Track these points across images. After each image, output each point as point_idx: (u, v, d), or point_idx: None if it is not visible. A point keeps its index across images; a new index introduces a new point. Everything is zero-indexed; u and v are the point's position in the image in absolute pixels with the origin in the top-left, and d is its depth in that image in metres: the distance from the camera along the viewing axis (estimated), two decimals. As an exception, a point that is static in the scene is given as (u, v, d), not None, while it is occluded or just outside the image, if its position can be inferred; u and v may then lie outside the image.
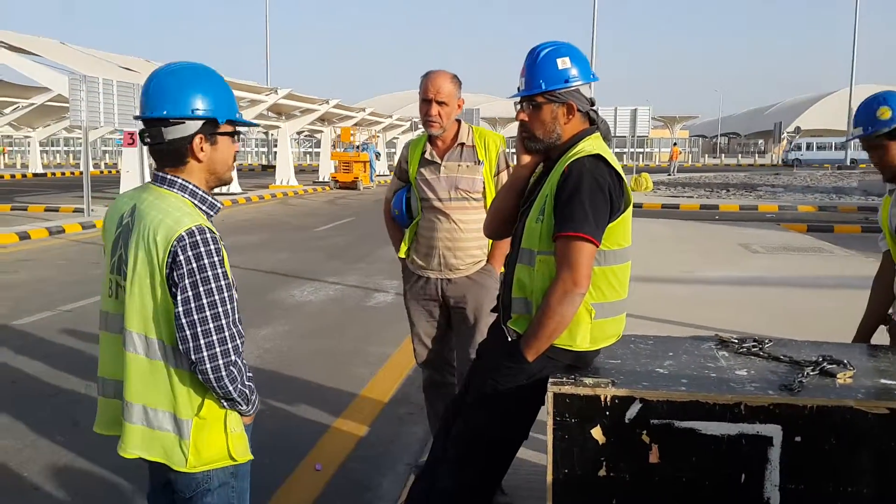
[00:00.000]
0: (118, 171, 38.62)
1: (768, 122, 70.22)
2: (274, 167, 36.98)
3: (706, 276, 9.58)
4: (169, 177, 2.06)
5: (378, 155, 37.97)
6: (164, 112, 2.00)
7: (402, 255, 3.65)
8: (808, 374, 2.50)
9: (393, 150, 46.95)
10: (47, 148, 59.89)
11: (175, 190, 2.05)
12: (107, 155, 63.60)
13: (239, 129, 2.16)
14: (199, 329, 1.94)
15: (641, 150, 59.80)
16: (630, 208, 2.54)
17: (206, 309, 1.95)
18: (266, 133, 54.07)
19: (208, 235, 1.97)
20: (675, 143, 49.13)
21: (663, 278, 9.11)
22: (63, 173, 43.20)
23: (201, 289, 1.94)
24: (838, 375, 2.50)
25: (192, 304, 1.94)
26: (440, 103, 3.45)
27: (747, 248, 12.15)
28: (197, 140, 2.03)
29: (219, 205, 2.14)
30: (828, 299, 8.29)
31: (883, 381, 2.48)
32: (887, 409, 2.26)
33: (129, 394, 2.03)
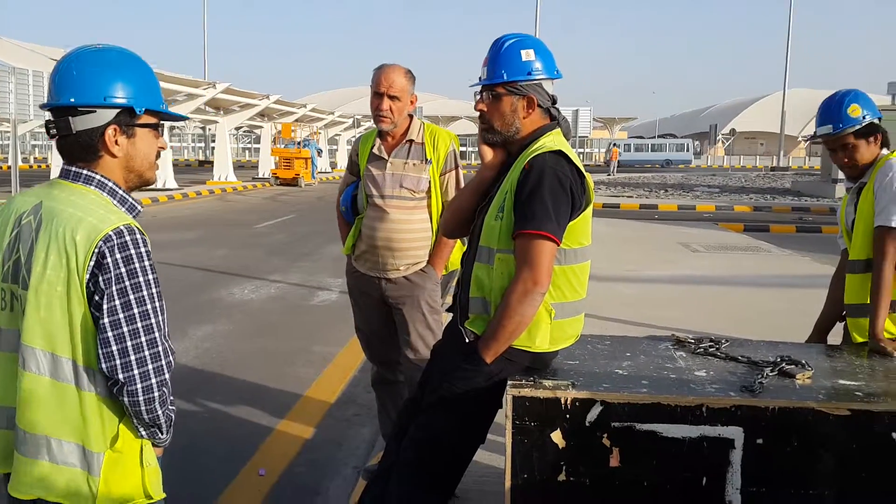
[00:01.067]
0: (48, 166, 37.29)
1: (704, 124, 71.88)
2: (211, 163, 36.14)
3: (651, 274, 9.67)
4: (85, 172, 1.78)
5: (320, 151, 37.52)
6: (72, 99, 1.74)
7: (346, 252, 3.53)
8: (767, 374, 2.48)
9: (335, 146, 46.44)
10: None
11: (93, 187, 1.79)
12: (36, 149, 61.31)
13: (163, 121, 1.93)
14: (128, 343, 1.69)
15: (581, 150, 60.42)
16: (591, 206, 2.47)
17: (138, 320, 1.70)
18: (203, 128, 52.98)
19: (138, 236, 1.73)
20: (615, 145, 49.84)
21: (610, 277, 9.15)
22: (-12, 167, 41.55)
23: (132, 297, 1.70)
24: (797, 376, 2.48)
25: (121, 315, 1.69)
26: (392, 98, 3.33)
27: (688, 248, 12.34)
28: (110, 131, 1.76)
29: (139, 207, 1.88)
30: (769, 298, 8.45)
31: (841, 381, 2.47)
32: (848, 410, 2.24)
33: (26, 423, 1.73)
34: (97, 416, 1.74)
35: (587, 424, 2.30)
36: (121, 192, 1.83)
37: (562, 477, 2.33)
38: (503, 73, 2.48)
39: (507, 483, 2.35)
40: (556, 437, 2.31)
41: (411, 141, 3.43)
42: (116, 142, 1.79)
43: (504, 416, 2.52)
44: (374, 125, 3.45)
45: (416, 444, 2.55)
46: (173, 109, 17.67)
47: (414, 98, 3.42)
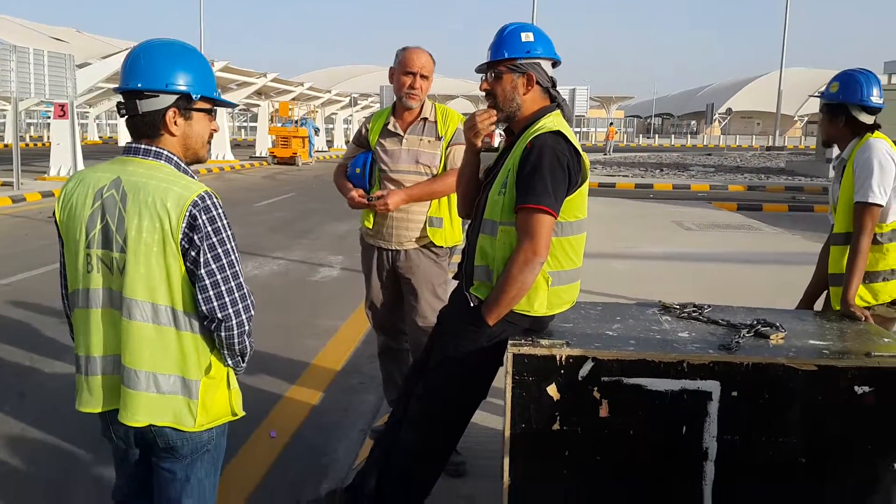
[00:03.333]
0: (44, 145, 37.23)
1: (700, 104, 71.92)
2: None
3: (644, 251, 9.92)
4: (154, 148, 2.09)
5: (317, 130, 37.55)
6: (139, 84, 2.05)
7: (369, 225, 3.74)
8: (743, 335, 2.72)
9: (331, 125, 46.48)
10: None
11: (162, 161, 2.10)
12: (31, 128, 61.15)
13: (216, 106, 2.20)
14: (222, 288, 2.03)
15: (578, 129, 60.55)
16: (587, 183, 2.70)
17: (227, 268, 2.05)
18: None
19: (216, 200, 2.06)
20: (611, 123, 49.95)
21: (604, 254, 9.40)
22: (-15, 145, 41.52)
23: (219, 250, 2.03)
24: (771, 337, 2.72)
25: (213, 266, 2.02)
26: (423, 77, 3.58)
27: (681, 226, 12.58)
28: (170, 113, 2.08)
29: (196, 178, 2.18)
30: (757, 273, 8.71)
31: (811, 341, 2.71)
32: (815, 366, 2.48)
33: (133, 362, 2.05)
34: (193, 350, 2.09)
35: (580, 379, 2.54)
36: (184, 164, 2.14)
37: (556, 426, 2.58)
38: (504, 52, 2.72)
39: (507, 432, 2.60)
40: (552, 390, 2.56)
41: (425, 119, 3.66)
42: (175, 122, 2.10)
43: (502, 377, 2.78)
44: (402, 102, 3.64)
45: (425, 398, 2.79)
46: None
47: (432, 79, 3.66)
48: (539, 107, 2.76)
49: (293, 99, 36.65)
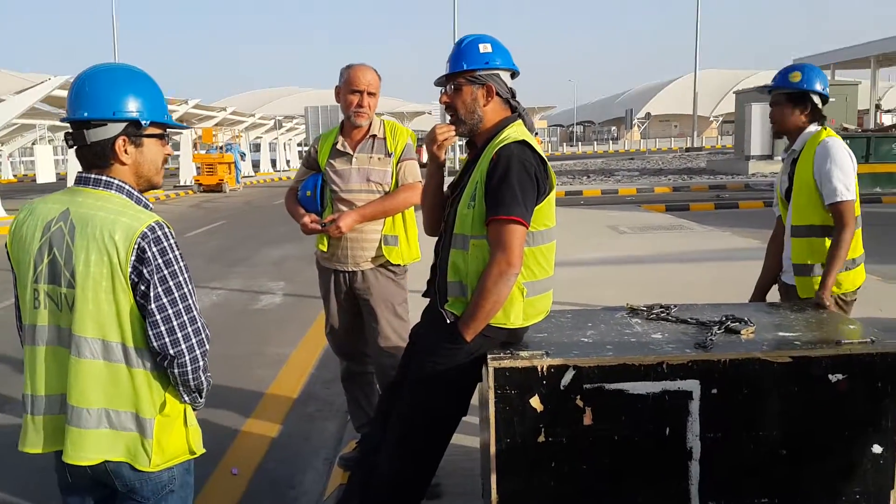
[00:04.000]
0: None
1: (620, 110, 73.81)
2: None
3: (586, 257, 10.03)
4: (104, 178, 2.01)
5: (243, 155, 36.94)
6: (85, 114, 1.97)
7: (323, 248, 3.66)
8: (715, 332, 2.75)
9: (256, 151, 45.78)
10: None
11: (113, 191, 2.01)
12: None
13: (169, 131, 2.13)
14: (174, 323, 1.94)
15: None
16: (554, 191, 2.70)
17: (179, 302, 1.95)
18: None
19: (167, 230, 1.97)
20: (536, 134, 50.60)
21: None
22: None
23: (171, 283, 1.95)
24: (742, 332, 2.76)
25: (165, 300, 1.93)
26: (370, 94, 3.52)
27: (616, 230, 12.81)
28: (120, 142, 1.99)
29: (151, 206, 2.10)
30: (699, 271, 8.91)
31: (781, 333, 2.77)
32: (790, 357, 2.53)
33: (81, 401, 1.95)
34: (146, 388, 1.99)
35: (562, 388, 2.53)
36: (136, 193, 2.04)
37: (541, 438, 2.55)
38: (463, 64, 2.70)
39: (493, 448, 2.55)
40: (535, 402, 2.53)
41: (374, 136, 3.60)
42: (126, 151, 2.01)
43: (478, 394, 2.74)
44: (350, 120, 3.58)
45: (404, 419, 2.73)
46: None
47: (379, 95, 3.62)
48: (500, 117, 2.74)
49: (216, 124, 35.97)
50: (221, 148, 31.84)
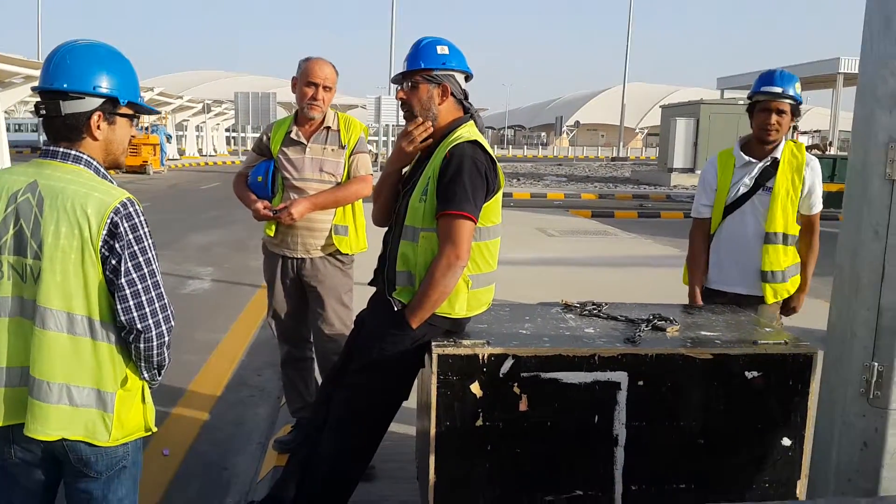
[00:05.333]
0: None
1: (550, 116, 75.04)
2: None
3: (515, 258, 10.25)
4: (74, 152, 2.02)
5: (169, 137, 36.00)
6: (65, 85, 1.98)
7: (271, 234, 3.71)
8: (643, 329, 2.94)
9: (182, 132, 44.59)
10: None
11: (82, 166, 2.03)
12: None
13: (140, 113, 2.16)
14: (143, 298, 1.98)
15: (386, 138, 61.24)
16: (501, 190, 2.84)
17: (148, 278, 2.00)
18: (36, 113, 49.22)
19: (138, 207, 2.02)
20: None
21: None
22: None
23: (141, 259, 1.99)
24: (667, 329, 2.96)
25: (134, 274, 1.97)
26: (326, 89, 3.59)
27: (544, 233, 13.13)
28: (95, 117, 2.02)
29: (114, 184, 2.11)
30: (622, 275, 9.27)
31: (702, 332, 2.98)
32: (711, 354, 2.74)
33: (45, 373, 1.96)
34: (109, 362, 2.01)
35: (501, 376, 2.67)
36: (103, 170, 2.07)
37: (479, 422, 2.69)
38: (420, 63, 2.81)
39: (433, 431, 2.68)
40: (475, 388, 2.67)
41: (328, 128, 3.67)
42: (99, 126, 2.03)
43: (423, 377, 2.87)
44: (304, 112, 3.64)
45: (348, 402, 2.82)
46: (9, 92, 16.31)
47: (335, 90, 3.68)
48: (454, 117, 2.87)
49: (142, 105, 34.85)
50: (147, 128, 30.98)
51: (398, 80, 2.88)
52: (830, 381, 2.54)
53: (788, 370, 2.77)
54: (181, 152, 41.87)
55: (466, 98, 2.91)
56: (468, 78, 2.93)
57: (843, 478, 2.49)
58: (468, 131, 2.79)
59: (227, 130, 51.69)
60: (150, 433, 2.17)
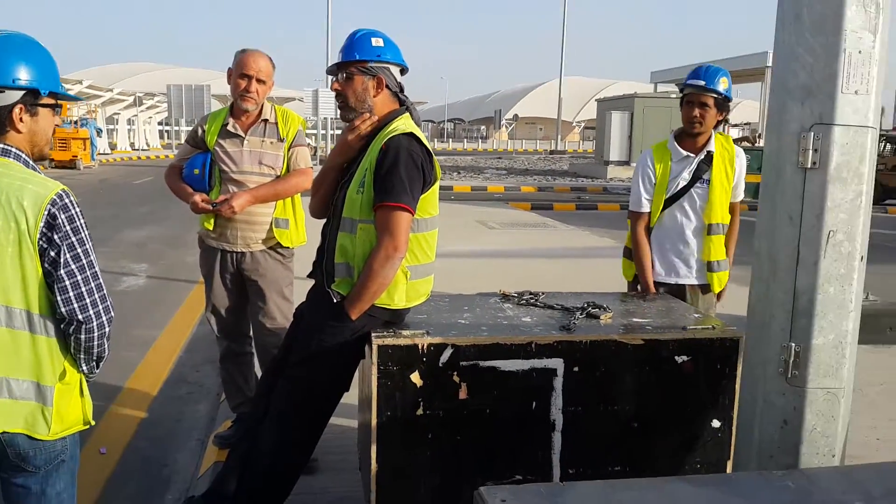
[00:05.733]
0: None
1: (489, 109, 75.47)
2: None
3: (455, 249, 10.31)
4: (2, 146, 2.00)
5: (100, 131, 35.00)
6: None
7: (209, 227, 3.67)
8: (578, 316, 3.03)
9: (113, 126, 43.38)
10: None
11: (11, 158, 2.00)
12: None
13: (60, 100, 2.12)
14: (83, 289, 1.97)
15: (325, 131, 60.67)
16: (438, 182, 2.88)
17: (87, 269, 1.99)
18: None
19: (74, 199, 2.00)
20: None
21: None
22: None
23: (79, 250, 1.97)
24: (601, 317, 3.05)
25: (74, 266, 1.96)
26: (260, 81, 3.56)
27: (485, 225, 13.24)
28: (17, 110, 1.99)
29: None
30: (561, 265, 9.42)
31: (634, 319, 3.08)
32: (642, 340, 2.83)
33: None
34: (48, 355, 2.00)
35: (440, 365, 2.72)
36: (32, 162, 2.04)
37: (420, 412, 2.73)
38: (355, 54, 2.83)
39: (374, 421, 2.71)
40: (415, 377, 2.71)
41: (266, 120, 3.65)
42: (21, 119, 2.00)
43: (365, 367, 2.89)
44: (237, 104, 3.61)
45: (288, 395, 2.83)
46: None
47: (272, 83, 3.66)
48: (389, 109, 2.89)
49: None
50: (76, 122, 30.06)
51: (333, 71, 2.89)
52: (751, 362, 2.67)
53: (716, 354, 2.88)
54: (112, 146, 40.74)
55: (402, 91, 2.93)
56: (404, 71, 2.95)
57: (765, 455, 2.61)
58: (404, 123, 2.82)
59: (159, 124, 50.48)
60: (88, 426, 2.16)
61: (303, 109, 31.86)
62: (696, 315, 3.20)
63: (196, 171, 3.62)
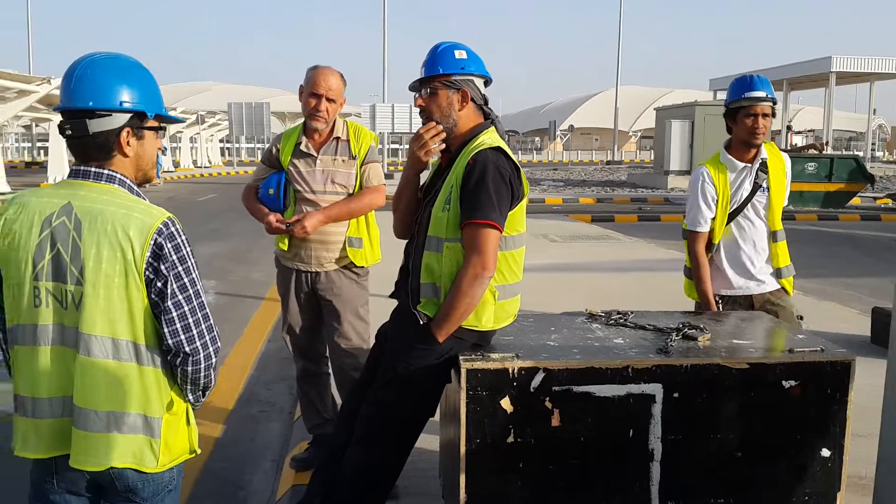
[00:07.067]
0: None
1: (543, 121, 75.01)
2: (39, 164, 33.40)
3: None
4: (106, 171, 1.95)
5: (164, 150, 35.63)
6: (90, 103, 1.90)
7: (283, 248, 3.63)
8: (674, 338, 2.87)
9: (177, 144, 44.41)
10: None
11: (115, 185, 1.95)
12: None
13: (165, 123, 2.08)
14: (189, 320, 1.92)
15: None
16: (526, 198, 2.76)
17: (193, 299, 1.94)
18: (29, 126, 49.10)
19: (179, 226, 1.95)
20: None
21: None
22: None
23: (185, 280, 1.93)
24: (699, 338, 2.88)
25: (181, 296, 1.91)
26: (330, 100, 3.50)
27: (547, 238, 13.06)
28: (124, 134, 1.95)
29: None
30: (628, 280, 9.17)
31: (735, 341, 2.90)
32: (747, 363, 2.66)
33: (89, 402, 1.90)
34: (155, 386, 1.95)
35: (531, 390, 2.59)
36: (136, 188, 2.00)
37: (510, 439, 2.61)
38: (439, 68, 2.74)
39: (463, 448, 2.60)
40: (505, 403, 2.59)
41: (338, 138, 3.59)
42: (128, 143, 1.96)
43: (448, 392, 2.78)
44: (308, 123, 3.57)
45: (372, 419, 2.74)
46: (4, 106, 16.28)
47: (343, 100, 3.59)
48: (474, 123, 2.79)
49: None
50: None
51: (415, 86, 2.81)
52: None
53: (826, 378, 2.70)
54: (176, 164, 41.76)
55: (486, 103, 2.83)
56: (487, 83, 2.85)
57: None
58: (490, 137, 2.72)
59: (221, 141, 51.57)
60: (194, 455, 2.12)
61: (360, 124, 32.10)
62: (801, 336, 3.00)
63: (271, 191, 3.59)
